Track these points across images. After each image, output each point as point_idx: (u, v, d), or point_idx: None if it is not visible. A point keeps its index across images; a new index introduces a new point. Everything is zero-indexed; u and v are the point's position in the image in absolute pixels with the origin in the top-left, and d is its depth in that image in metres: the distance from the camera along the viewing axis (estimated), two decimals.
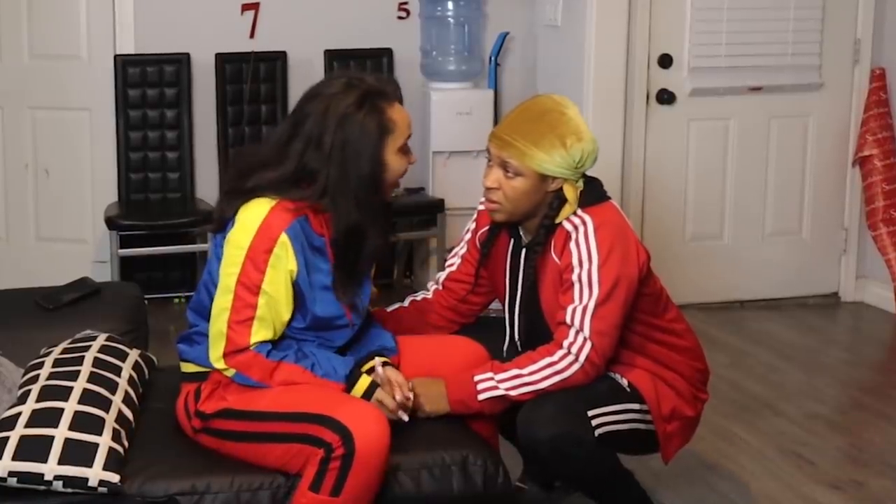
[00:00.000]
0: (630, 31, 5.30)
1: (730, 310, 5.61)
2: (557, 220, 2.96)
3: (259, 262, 2.71)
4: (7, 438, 2.59)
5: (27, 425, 2.63)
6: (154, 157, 5.59)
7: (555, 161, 2.90)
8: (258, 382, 2.75)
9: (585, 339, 2.87)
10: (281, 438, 2.69)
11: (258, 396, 2.75)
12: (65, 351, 2.99)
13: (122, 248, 5.28)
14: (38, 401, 2.71)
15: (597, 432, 2.93)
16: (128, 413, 2.83)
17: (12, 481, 2.56)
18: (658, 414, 3.04)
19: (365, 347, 2.92)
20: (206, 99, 5.61)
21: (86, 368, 2.87)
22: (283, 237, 2.71)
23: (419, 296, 3.28)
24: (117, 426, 2.73)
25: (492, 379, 2.89)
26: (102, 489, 2.59)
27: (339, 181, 2.73)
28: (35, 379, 2.84)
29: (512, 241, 3.10)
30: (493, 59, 5.79)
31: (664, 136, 5.45)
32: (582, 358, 2.87)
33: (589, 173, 3.01)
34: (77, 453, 2.59)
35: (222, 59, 5.58)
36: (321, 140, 2.73)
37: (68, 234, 5.68)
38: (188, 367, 2.89)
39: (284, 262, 2.72)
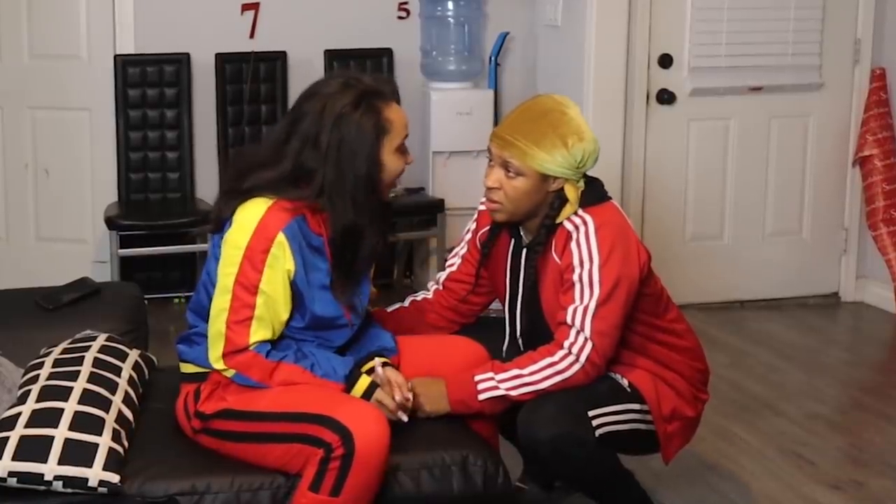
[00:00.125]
0: (630, 31, 5.29)
1: (730, 310, 5.61)
2: (558, 220, 2.96)
3: (256, 261, 2.71)
4: (7, 438, 2.59)
5: (27, 425, 2.63)
6: (154, 157, 5.58)
7: (556, 161, 2.90)
8: (258, 383, 2.75)
9: (586, 340, 2.87)
10: (281, 438, 2.69)
11: (258, 397, 2.74)
12: (65, 351, 2.99)
13: (122, 248, 5.27)
14: (38, 401, 2.71)
15: (597, 432, 2.93)
16: (128, 413, 2.83)
17: (12, 481, 2.56)
18: (658, 414, 3.04)
19: (364, 347, 2.91)
20: (206, 99, 5.60)
21: (86, 368, 2.87)
22: (281, 237, 2.71)
23: (419, 296, 3.27)
24: (117, 426, 2.73)
25: (492, 379, 2.89)
26: (102, 489, 2.59)
27: (336, 181, 2.73)
28: (35, 379, 2.83)
29: (512, 241, 3.09)
30: (493, 59, 5.78)
31: (664, 136, 5.44)
32: (583, 358, 2.87)
33: (589, 173, 3.01)
34: (77, 453, 2.59)
35: (222, 59, 5.58)
36: (318, 139, 2.73)
37: (68, 234, 5.68)
38: (188, 368, 2.89)
39: (282, 261, 2.72)
